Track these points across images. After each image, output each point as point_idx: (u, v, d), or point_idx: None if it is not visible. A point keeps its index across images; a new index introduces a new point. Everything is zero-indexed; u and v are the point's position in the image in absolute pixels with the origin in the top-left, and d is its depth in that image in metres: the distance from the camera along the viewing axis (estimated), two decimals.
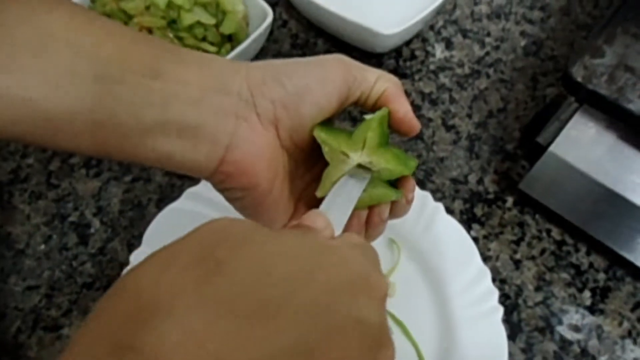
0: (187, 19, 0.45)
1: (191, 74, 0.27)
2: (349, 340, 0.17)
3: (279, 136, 0.28)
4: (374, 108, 0.30)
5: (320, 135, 0.27)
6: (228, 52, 0.48)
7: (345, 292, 0.18)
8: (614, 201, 0.41)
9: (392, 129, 0.30)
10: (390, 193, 0.28)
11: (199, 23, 0.46)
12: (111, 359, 0.15)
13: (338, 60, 0.29)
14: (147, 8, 0.45)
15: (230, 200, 0.30)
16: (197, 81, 0.27)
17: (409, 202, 0.30)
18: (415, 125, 0.29)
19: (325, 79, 0.28)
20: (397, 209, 0.30)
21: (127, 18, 0.46)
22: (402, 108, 0.29)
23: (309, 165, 0.31)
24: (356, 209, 0.28)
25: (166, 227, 0.42)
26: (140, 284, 0.16)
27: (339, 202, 0.27)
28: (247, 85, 0.28)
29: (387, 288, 0.21)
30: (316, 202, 0.29)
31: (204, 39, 0.47)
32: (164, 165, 0.28)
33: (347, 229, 0.29)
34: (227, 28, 0.48)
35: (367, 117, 0.27)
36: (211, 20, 0.47)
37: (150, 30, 0.46)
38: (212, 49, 0.47)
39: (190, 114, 0.26)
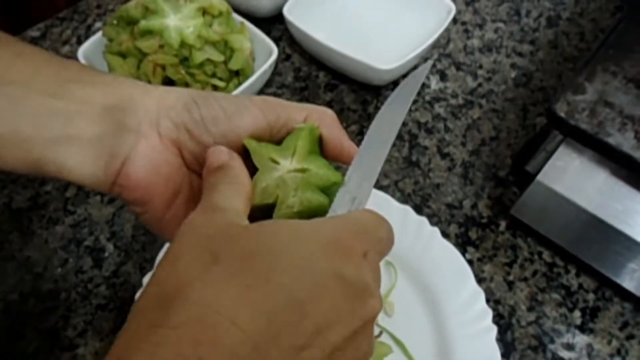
0: (198, 57, 0.49)
1: (97, 94, 0.28)
2: (332, 292, 0.22)
3: (184, 157, 0.30)
4: None
5: (250, 143, 0.28)
6: (236, 87, 0.51)
7: (320, 256, 0.22)
8: (599, 227, 0.44)
9: (331, 158, 0.29)
10: (322, 199, 0.27)
11: (209, 60, 0.50)
12: (150, 336, 0.19)
13: (261, 100, 0.30)
14: (161, 47, 0.48)
15: (135, 214, 0.31)
16: (102, 100, 0.28)
17: None
18: (352, 149, 0.29)
19: (235, 114, 0.28)
20: None
21: (142, 56, 0.49)
22: (337, 135, 0.29)
23: None
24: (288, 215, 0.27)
25: None
26: (160, 277, 0.22)
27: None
28: (157, 106, 0.29)
29: (365, 248, 0.24)
30: None
31: (213, 75, 0.51)
32: (64, 177, 0.29)
33: None
34: (235, 64, 0.51)
35: (297, 126, 0.28)
36: (220, 58, 0.50)
37: (163, 67, 0.49)
38: (221, 84, 0.51)
39: (92, 129, 0.28)
